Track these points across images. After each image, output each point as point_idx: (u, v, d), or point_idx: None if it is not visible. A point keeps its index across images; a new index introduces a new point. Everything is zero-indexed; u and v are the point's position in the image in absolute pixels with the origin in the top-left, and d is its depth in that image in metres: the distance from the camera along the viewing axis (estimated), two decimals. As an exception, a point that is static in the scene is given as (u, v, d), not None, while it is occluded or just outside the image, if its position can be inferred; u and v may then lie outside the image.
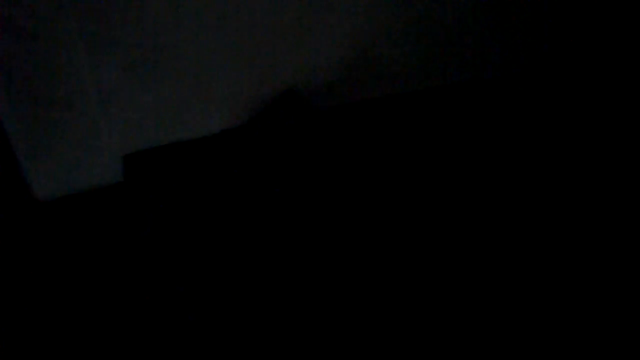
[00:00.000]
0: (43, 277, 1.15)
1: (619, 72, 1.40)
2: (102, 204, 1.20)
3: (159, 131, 1.20)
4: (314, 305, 1.10)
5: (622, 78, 1.39)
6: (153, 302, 1.12)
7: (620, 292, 1.14)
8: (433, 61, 1.29)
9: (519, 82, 1.36)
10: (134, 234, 1.18)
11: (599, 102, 1.37)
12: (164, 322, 1.10)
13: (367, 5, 1.16)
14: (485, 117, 1.32)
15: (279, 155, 1.20)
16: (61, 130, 1.12)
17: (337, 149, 1.24)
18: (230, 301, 1.10)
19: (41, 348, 1.10)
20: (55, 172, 1.17)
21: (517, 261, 1.16)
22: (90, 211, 1.20)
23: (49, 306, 1.13)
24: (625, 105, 1.37)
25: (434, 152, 1.27)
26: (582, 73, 1.40)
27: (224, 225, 1.16)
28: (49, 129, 1.11)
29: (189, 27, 1.08)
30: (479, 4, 1.23)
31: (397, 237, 1.17)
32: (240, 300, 1.10)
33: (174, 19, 1.06)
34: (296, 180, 1.19)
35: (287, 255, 1.14)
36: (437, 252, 1.16)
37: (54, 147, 1.14)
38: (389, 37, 1.22)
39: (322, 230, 1.16)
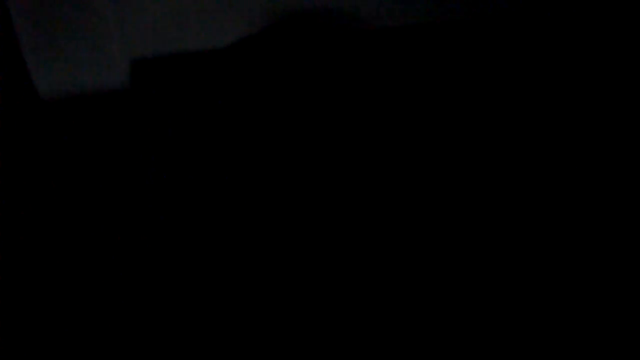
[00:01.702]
0: (41, 180, 1.11)
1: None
2: (107, 108, 1.16)
3: (172, 38, 1.14)
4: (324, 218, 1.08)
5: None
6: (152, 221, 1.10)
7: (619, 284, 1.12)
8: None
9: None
10: (136, 145, 1.14)
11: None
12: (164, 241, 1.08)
13: None
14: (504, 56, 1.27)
15: (287, 74, 1.15)
16: (70, 28, 1.07)
17: (350, 73, 1.20)
18: (238, 222, 1.08)
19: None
20: (60, 71, 1.11)
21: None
22: (94, 114, 1.15)
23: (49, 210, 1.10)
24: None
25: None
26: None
27: (231, 143, 1.12)
28: (57, 25, 1.06)
29: None
30: None
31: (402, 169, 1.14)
32: (246, 224, 1.08)
33: None
34: (304, 97, 1.15)
35: (301, 174, 1.11)
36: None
37: (61, 45, 1.08)
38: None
39: (329, 153, 1.13)
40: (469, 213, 1.13)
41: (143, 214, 1.10)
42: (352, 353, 1.04)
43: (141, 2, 1.07)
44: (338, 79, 1.17)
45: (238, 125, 1.13)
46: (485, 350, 1.06)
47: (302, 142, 1.13)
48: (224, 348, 1.04)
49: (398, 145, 1.15)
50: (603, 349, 1.07)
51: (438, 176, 1.14)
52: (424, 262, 1.09)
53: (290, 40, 1.16)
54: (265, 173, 1.12)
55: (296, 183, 1.11)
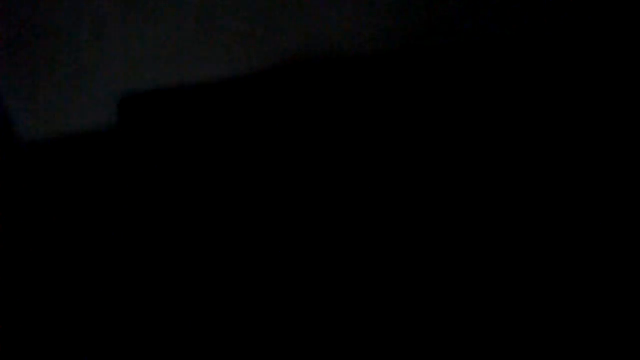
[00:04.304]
0: (28, 221, 1.06)
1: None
2: (93, 148, 1.11)
3: (157, 74, 1.10)
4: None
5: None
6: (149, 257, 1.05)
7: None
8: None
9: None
10: (125, 184, 1.10)
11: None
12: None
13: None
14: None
15: (281, 113, 1.11)
16: (49, 64, 1.03)
17: (343, 109, 1.16)
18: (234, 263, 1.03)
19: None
20: (41, 111, 1.07)
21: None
22: (79, 155, 1.11)
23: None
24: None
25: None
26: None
27: (221, 180, 1.08)
28: (35, 60, 1.02)
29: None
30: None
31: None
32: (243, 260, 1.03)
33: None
34: (295, 136, 1.11)
35: (291, 212, 1.06)
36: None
37: (40, 83, 1.04)
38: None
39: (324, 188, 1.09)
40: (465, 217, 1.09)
41: (131, 254, 1.05)
42: (352, 353, 1.01)
43: (123, 34, 1.03)
44: (332, 113, 1.13)
45: (229, 163, 1.09)
46: (485, 350, 1.02)
47: (299, 179, 1.09)
48: (221, 348, 1.00)
49: (394, 170, 1.11)
50: (603, 349, 1.03)
51: (433, 198, 1.10)
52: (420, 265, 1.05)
53: (281, 73, 1.12)
54: (260, 216, 1.07)
55: (292, 222, 1.07)
